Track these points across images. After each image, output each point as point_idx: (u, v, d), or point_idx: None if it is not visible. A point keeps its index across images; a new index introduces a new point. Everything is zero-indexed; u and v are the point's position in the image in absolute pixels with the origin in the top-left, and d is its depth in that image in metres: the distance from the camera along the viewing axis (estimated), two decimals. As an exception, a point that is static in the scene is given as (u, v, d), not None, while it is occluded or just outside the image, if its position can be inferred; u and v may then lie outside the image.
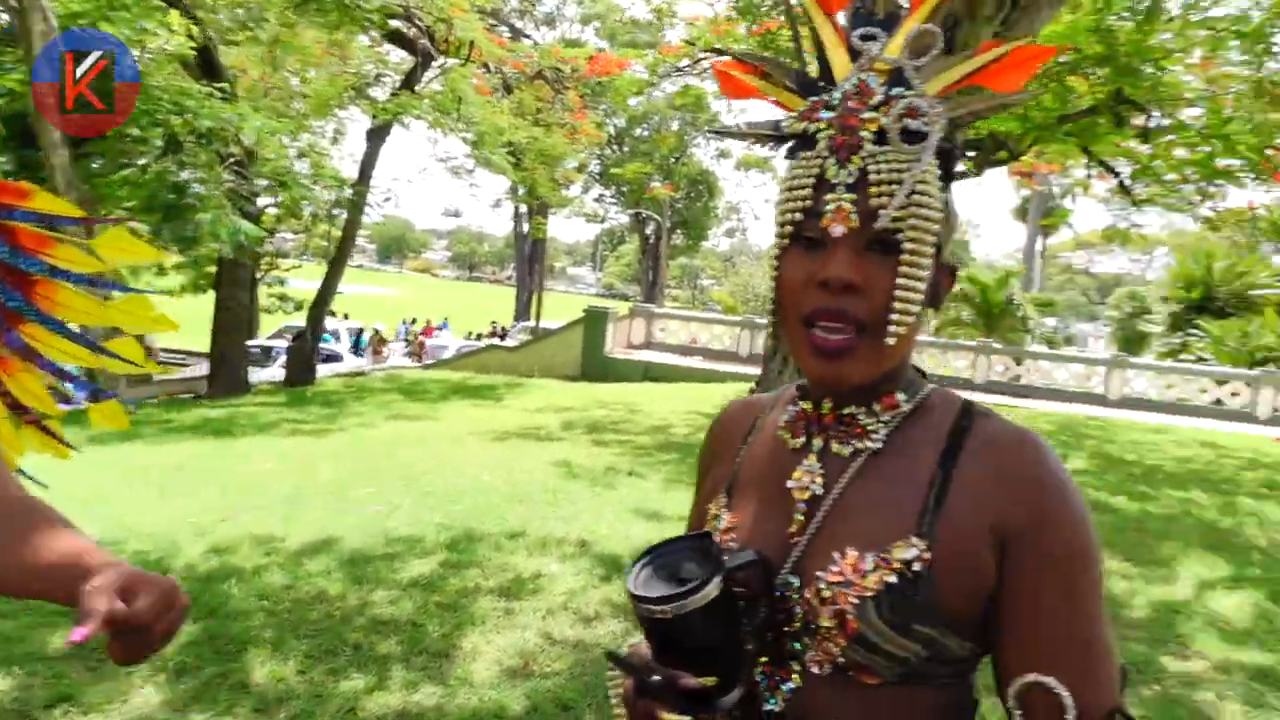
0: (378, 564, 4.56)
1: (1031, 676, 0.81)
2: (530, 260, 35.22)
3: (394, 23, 13.13)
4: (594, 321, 17.14)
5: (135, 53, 8.31)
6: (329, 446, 8.13)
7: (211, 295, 13.64)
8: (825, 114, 0.87)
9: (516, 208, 32.37)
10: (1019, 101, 0.91)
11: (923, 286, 0.85)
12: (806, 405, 0.94)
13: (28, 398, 1.27)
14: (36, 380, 1.26)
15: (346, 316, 25.56)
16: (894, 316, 0.83)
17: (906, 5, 0.90)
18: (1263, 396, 15.19)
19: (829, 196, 0.85)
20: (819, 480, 0.90)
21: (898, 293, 0.83)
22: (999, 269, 27.14)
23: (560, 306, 36.43)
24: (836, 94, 0.88)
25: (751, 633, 0.87)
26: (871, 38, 0.87)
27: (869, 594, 0.83)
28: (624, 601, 4.18)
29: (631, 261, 60.23)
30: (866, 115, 0.85)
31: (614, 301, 35.17)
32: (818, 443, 0.92)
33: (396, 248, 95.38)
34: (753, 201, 64.85)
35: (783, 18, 6.47)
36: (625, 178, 32.96)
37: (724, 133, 1.11)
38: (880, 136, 0.84)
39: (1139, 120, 9.34)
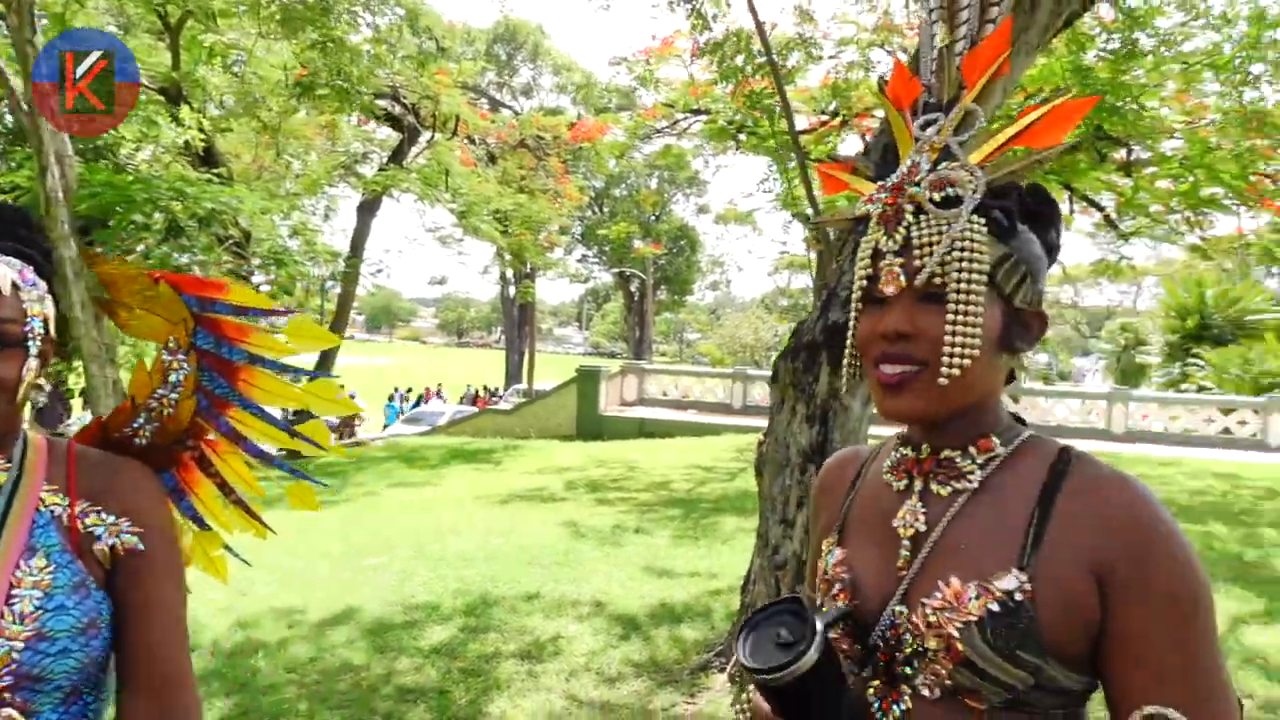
0: (398, 632, 4.64)
1: (1151, 708, 0.85)
2: (519, 323, 35.49)
3: (380, 102, 13.54)
4: (587, 381, 17.29)
5: (149, 148, 8.62)
6: (336, 517, 8.19)
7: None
8: (882, 195, 0.99)
9: (503, 272, 32.73)
10: (1053, 155, 0.96)
11: (974, 330, 0.92)
12: (907, 451, 1.04)
13: (235, 479, 1.37)
14: (242, 462, 1.37)
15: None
16: (944, 357, 0.92)
17: (965, 87, 1.00)
18: (1272, 423, 14.88)
19: (883, 264, 0.97)
20: (922, 518, 0.98)
21: (947, 335, 0.92)
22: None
23: (550, 367, 36.60)
24: (893, 177, 1.00)
25: (859, 662, 0.98)
26: (932, 123, 0.99)
27: (973, 619, 0.89)
28: (645, 660, 4.28)
29: (617, 319, 60.65)
30: (909, 191, 0.96)
31: (602, 360, 35.39)
32: (919, 484, 1.00)
33: (385, 317, 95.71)
34: (735, 254, 65.44)
35: (762, 77, 6.79)
36: (610, 238, 33.42)
37: (821, 222, 1.27)
38: (920, 207, 0.95)
39: (1119, 155, 9.65)
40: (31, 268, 1.12)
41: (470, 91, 19.53)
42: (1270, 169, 10.06)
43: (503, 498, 9.10)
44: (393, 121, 14.62)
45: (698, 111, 13.24)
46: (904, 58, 10.68)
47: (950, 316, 0.93)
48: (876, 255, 0.98)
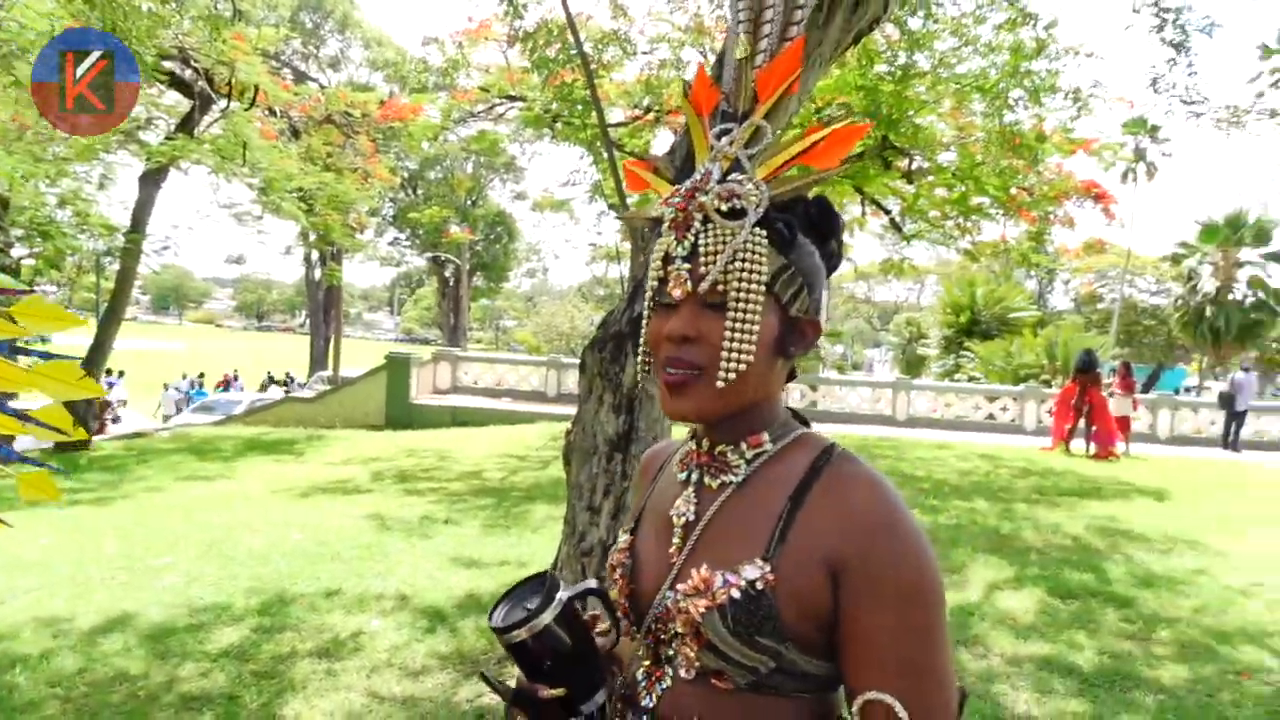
0: (182, 636, 4.34)
1: (870, 694, 0.91)
2: (325, 307, 33.72)
3: (167, 64, 12.41)
4: (397, 368, 16.74)
5: None
6: (113, 516, 7.49)
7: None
8: (676, 200, 1.03)
9: (308, 253, 30.96)
10: (831, 176, 1.02)
11: (750, 337, 0.97)
12: (692, 444, 1.10)
13: None
14: None
15: (122, 374, 23.30)
16: (722, 362, 0.97)
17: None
18: (1028, 409, 16.69)
19: (671, 268, 1.01)
20: (693, 508, 1.04)
21: (725, 342, 0.97)
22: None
23: (359, 353, 35.06)
24: (687, 183, 1.03)
25: (637, 642, 1.06)
26: (727, 132, 1.04)
27: (715, 605, 0.94)
28: (450, 652, 4.25)
29: (431, 305, 59.02)
30: (698, 199, 1.00)
31: (415, 346, 34.33)
32: (695, 476, 1.07)
33: (175, 298, 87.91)
34: (552, 242, 65.39)
35: (574, 70, 6.85)
36: (422, 221, 32.45)
37: (627, 218, 1.30)
38: (707, 216, 0.99)
39: (903, 163, 10.52)
40: None
41: (272, 60, 18.29)
42: (1027, 183, 11.35)
43: (304, 490, 8.67)
44: (181, 86, 13.42)
45: (513, 98, 13.13)
46: (712, 59, 11.13)
47: (729, 324, 0.97)
48: (667, 259, 1.01)
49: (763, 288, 0.98)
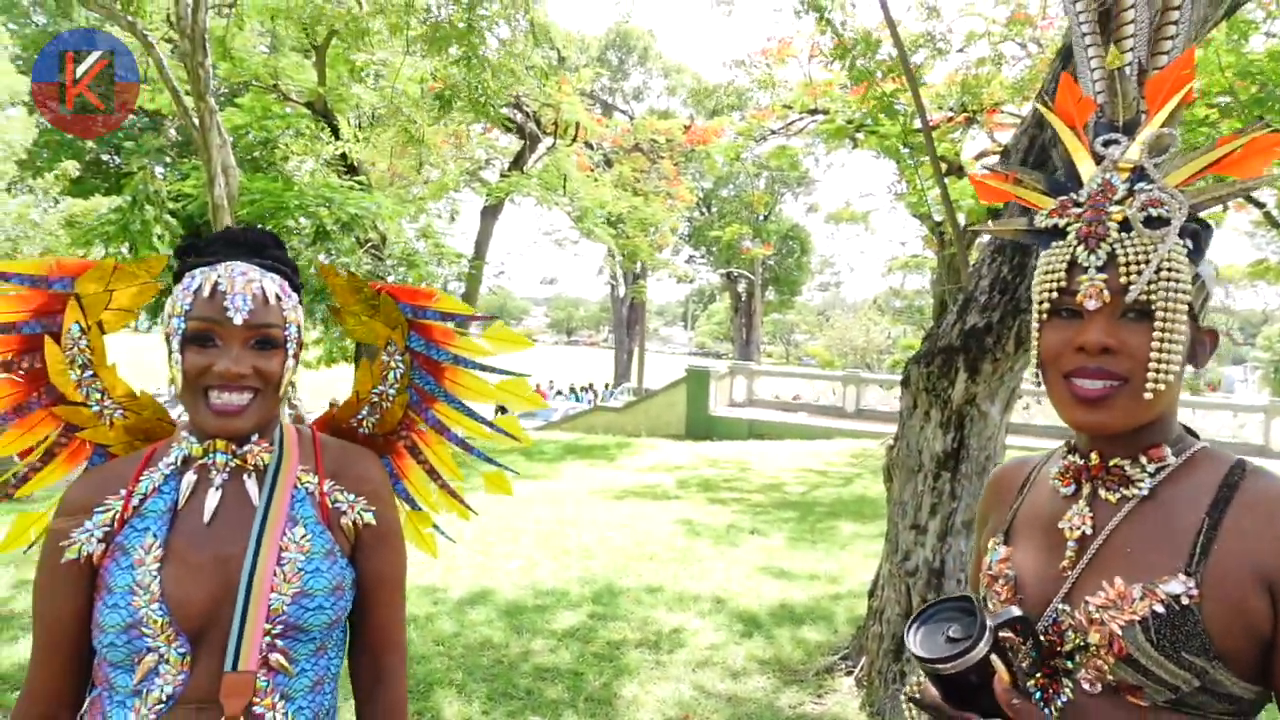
0: (531, 615, 4.91)
1: None
2: (628, 322, 35.95)
3: (505, 110, 14.06)
4: (697, 380, 17.41)
5: (309, 161, 9.29)
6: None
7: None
8: (1075, 209, 1.02)
9: (614, 272, 33.24)
10: (1256, 187, 0.99)
11: (1178, 348, 0.96)
12: (1075, 458, 1.07)
13: (441, 466, 1.58)
14: (446, 451, 1.57)
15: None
16: (1151, 373, 0.95)
17: (1144, 110, 1.04)
18: None
19: (1081, 278, 0.99)
20: (1089, 522, 1.02)
21: (1153, 353, 0.95)
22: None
23: (656, 367, 36.92)
24: (1084, 193, 1.02)
25: (1025, 659, 1.04)
26: (1114, 142, 1.03)
27: (1136, 618, 0.92)
28: (769, 658, 4.39)
29: (723, 320, 60.40)
30: (1112, 209, 0.99)
31: (707, 360, 35.42)
32: (1087, 489, 1.04)
33: (501, 316, 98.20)
34: (845, 254, 64.12)
35: (894, 78, 6.69)
36: (719, 239, 33.44)
37: (983, 230, 1.33)
38: (1125, 225, 0.97)
39: None
40: (287, 282, 1.32)
41: (585, 98, 19.98)
42: None
43: (618, 494, 9.33)
44: (515, 129, 15.16)
45: (815, 111, 13.18)
46: (1035, 50, 10.33)
47: (1157, 334, 0.95)
48: (1073, 269, 1.00)
49: (1188, 298, 0.96)
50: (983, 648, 0.94)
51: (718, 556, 6.45)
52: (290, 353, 1.27)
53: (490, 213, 15.43)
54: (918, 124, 9.95)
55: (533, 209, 16.55)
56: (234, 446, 1.25)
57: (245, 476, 1.26)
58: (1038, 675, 1.04)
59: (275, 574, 1.19)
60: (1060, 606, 1.01)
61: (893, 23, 4.40)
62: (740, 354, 37.12)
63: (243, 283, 1.23)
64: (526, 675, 4.07)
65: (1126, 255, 0.97)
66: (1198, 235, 1.00)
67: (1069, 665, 1.00)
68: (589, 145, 16.61)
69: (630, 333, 35.29)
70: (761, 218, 40.01)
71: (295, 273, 1.37)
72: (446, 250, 13.41)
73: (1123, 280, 0.97)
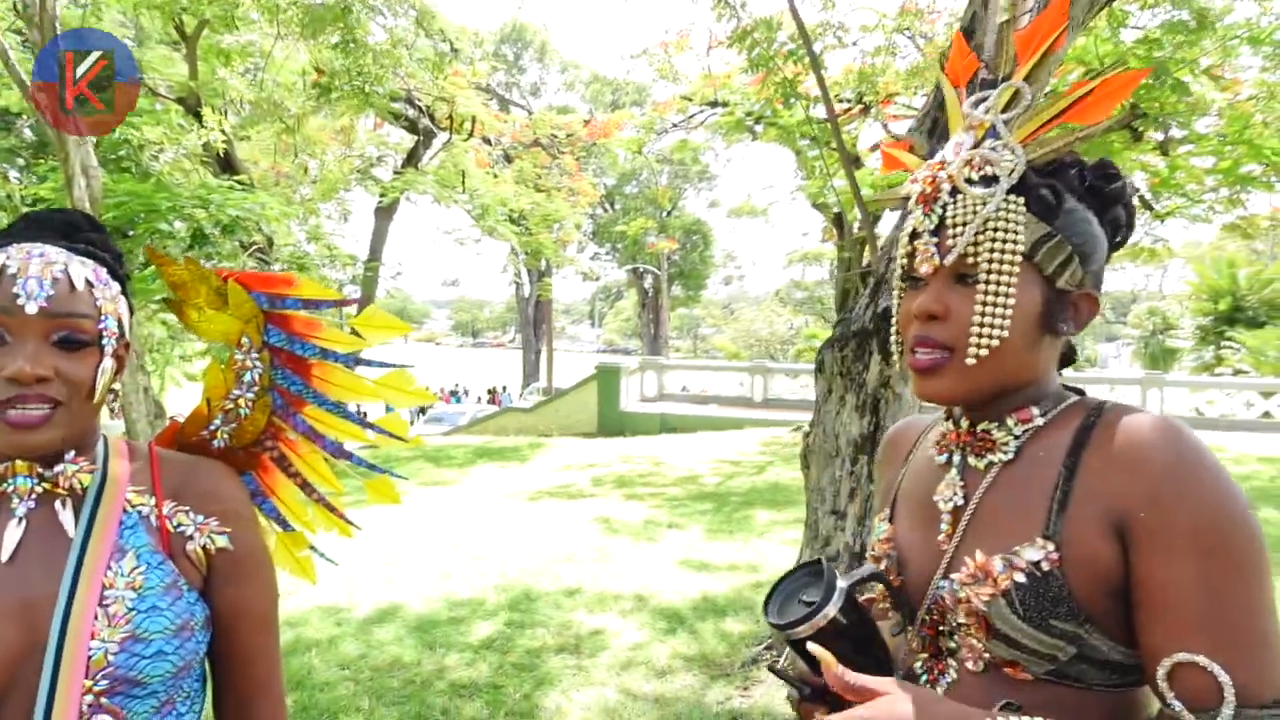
0: (445, 628, 4.66)
1: (1179, 655, 0.79)
2: (535, 321, 35.56)
3: (394, 105, 13.59)
4: (607, 377, 17.31)
5: (169, 151, 8.65)
6: (370, 516, 8.22)
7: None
8: (923, 174, 0.98)
9: (518, 271, 32.82)
10: (1096, 133, 0.94)
11: (1004, 311, 0.91)
12: (949, 425, 1.03)
13: (315, 477, 1.34)
14: (321, 460, 1.33)
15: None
16: (973, 339, 0.92)
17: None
18: None
19: (918, 244, 0.96)
20: (960, 492, 0.97)
21: (975, 317, 0.91)
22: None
23: (564, 366, 36.64)
24: (937, 156, 0.99)
25: (905, 634, 0.99)
26: (984, 100, 0.98)
27: (999, 591, 0.87)
28: (694, 654, 4.28)
29: (630, 316, 60.56)
30: (946, 171, 0.95)
31: (616, 356, 35.39)
32: (958, 458, 1.00)
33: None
34: (747, 248, 65.28)
35: (794, 65, 6.71)
36: (624, 234, 33.45)
37: (878, 199, 1.26)
38: (955, 187, 0.94)
39: (1156, 134, 9.42)
40: (105, 269, 1.08)
41: (482, 92, 19.57)
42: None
43: (533, 495, 9.11)
44: (407, 125, 14.67)
45: (714, 104, 13.21)
46: (923, 43, 10.61)
47: (979, 297, 0.91)
48: (914, 235, 0.97)
49: (1018, 258, 0.91)
50: (831, 608, 0.90)
51: (637, 553, 6.32)
52: (108, 352, 1.04)
53: (385, 212, 14.91)
54: (817, 112, 10.08)
55: (430, 207, 16.12)
56: (39, 468, 1.02)
57: (57, 504, 1.02)
58: (923, 655, 1.00)
59: (97, 617, 0.96)
60: (940, 583, 0.96)
61: (794, 5, 4.34)
62: (649, 349, 37.23)
63: (40, 265, 0.99)
64: (441, 694, 3.84)
65: (954, 217, 0.93)
66: (1055, 190, 0.93)
67: (951, 645, 0.96)
68: (487, 141, 16.24)
69: (537, 332, 34.93)
70: (665, 213, 40.22)
71: (119, 261, 1.13)
72: (339, 253, 12.86)
73: (949, 243, 0.93)
